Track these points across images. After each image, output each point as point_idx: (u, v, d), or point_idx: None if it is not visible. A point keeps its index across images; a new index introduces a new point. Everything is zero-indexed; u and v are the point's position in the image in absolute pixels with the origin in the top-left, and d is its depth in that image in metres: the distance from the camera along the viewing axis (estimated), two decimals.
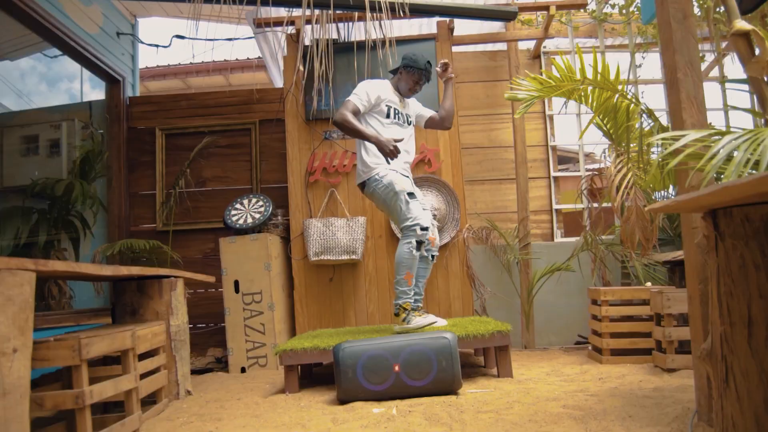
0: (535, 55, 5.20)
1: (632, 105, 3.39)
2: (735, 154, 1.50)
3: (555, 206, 5.08)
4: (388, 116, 3.54)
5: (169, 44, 5.57)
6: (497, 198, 5.11)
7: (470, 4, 4.49)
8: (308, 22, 4.27)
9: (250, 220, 4.39)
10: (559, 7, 4.61)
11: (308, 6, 3.91)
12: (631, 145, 4.12)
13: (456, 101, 4.48)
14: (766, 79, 2.17)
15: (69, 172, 4.93)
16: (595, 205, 4.47)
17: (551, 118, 5.20)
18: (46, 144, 5.14)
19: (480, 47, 5.26)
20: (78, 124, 5.36)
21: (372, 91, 3.50)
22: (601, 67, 3.17)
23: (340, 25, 4.62)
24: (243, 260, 4.32)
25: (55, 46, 4.79)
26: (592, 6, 5.20)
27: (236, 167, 5.27)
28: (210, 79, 8.35)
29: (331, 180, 4.51)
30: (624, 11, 5.16)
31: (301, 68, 4.32)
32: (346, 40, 4.64)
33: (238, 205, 4.52)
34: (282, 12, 4.61)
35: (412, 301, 3.37)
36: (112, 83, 5.28)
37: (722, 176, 1.80)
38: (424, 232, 3.30)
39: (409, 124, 3.68)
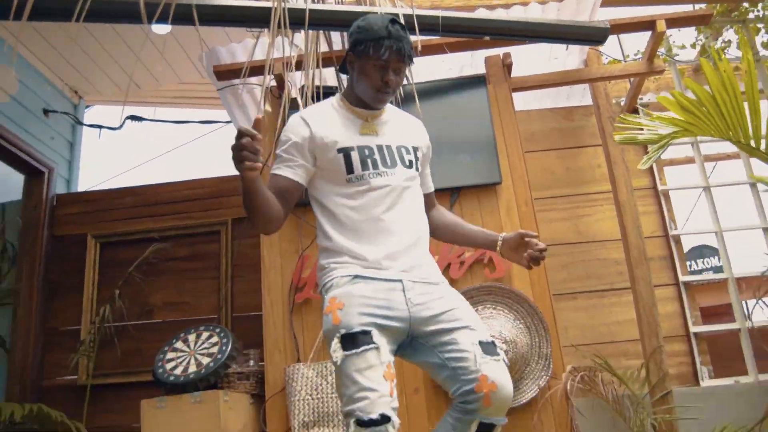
0: (630, 109, 3.58)
1: None
2: None
3: (693, 328, 3.19)
4: (351, 170, 1.70)
5: (121, 125, 4.14)
6: (598, 320, 3.25)
7: (536, 18, 2.94)
8: (297, 68, 2.76)
9: (192, 369, 2.58)
10: (671, 23, 3.05)
11: (282, 24, 2.39)
12: None
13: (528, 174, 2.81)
14: None
15: None
16: None
17: (666, 195, 3.46)
18: None
19: (547, 102, 3.69)
20: None
21: (290, 138, 1.72)
22: None
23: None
24: None
25: None
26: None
27: (198, 288, 3.56)
28: None
29: None
30: None
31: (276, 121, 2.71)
32: None
33: (178, 344, 2.74)
34: (258, 55, 3.05)
35: None
36: (33, 176, 3.78)
37: None
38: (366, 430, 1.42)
39: (407, 165, 1.75)
